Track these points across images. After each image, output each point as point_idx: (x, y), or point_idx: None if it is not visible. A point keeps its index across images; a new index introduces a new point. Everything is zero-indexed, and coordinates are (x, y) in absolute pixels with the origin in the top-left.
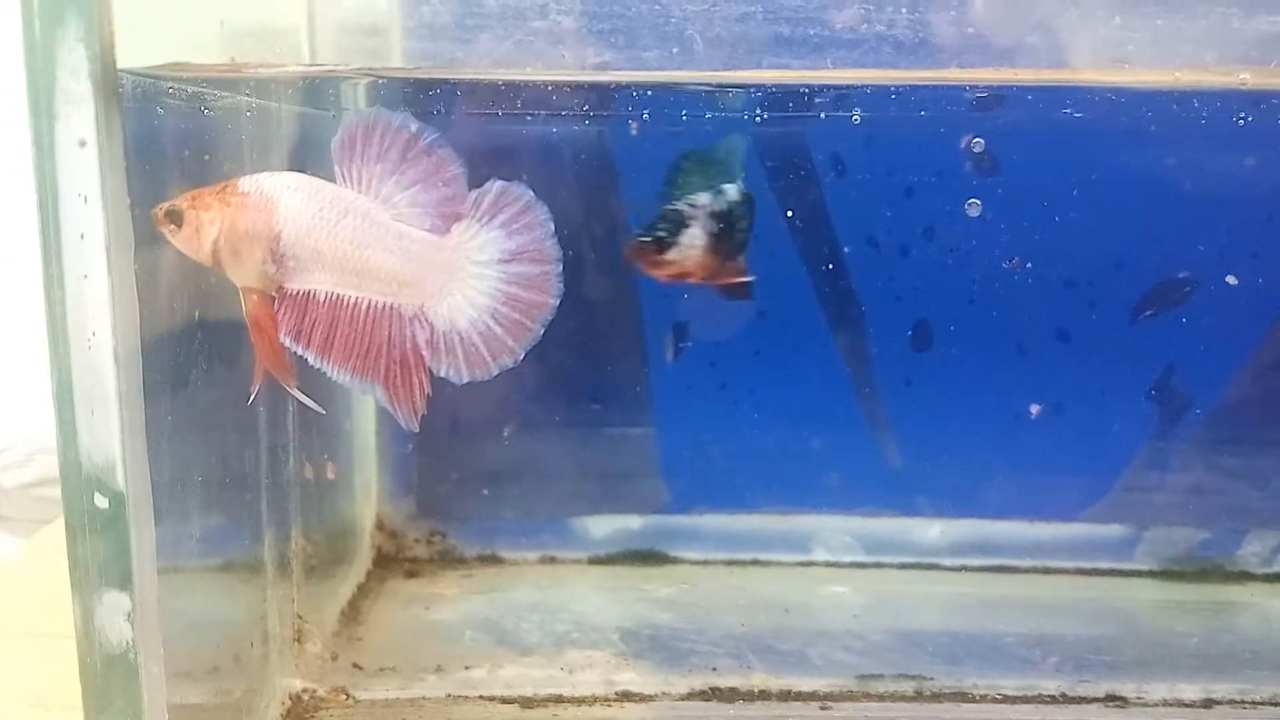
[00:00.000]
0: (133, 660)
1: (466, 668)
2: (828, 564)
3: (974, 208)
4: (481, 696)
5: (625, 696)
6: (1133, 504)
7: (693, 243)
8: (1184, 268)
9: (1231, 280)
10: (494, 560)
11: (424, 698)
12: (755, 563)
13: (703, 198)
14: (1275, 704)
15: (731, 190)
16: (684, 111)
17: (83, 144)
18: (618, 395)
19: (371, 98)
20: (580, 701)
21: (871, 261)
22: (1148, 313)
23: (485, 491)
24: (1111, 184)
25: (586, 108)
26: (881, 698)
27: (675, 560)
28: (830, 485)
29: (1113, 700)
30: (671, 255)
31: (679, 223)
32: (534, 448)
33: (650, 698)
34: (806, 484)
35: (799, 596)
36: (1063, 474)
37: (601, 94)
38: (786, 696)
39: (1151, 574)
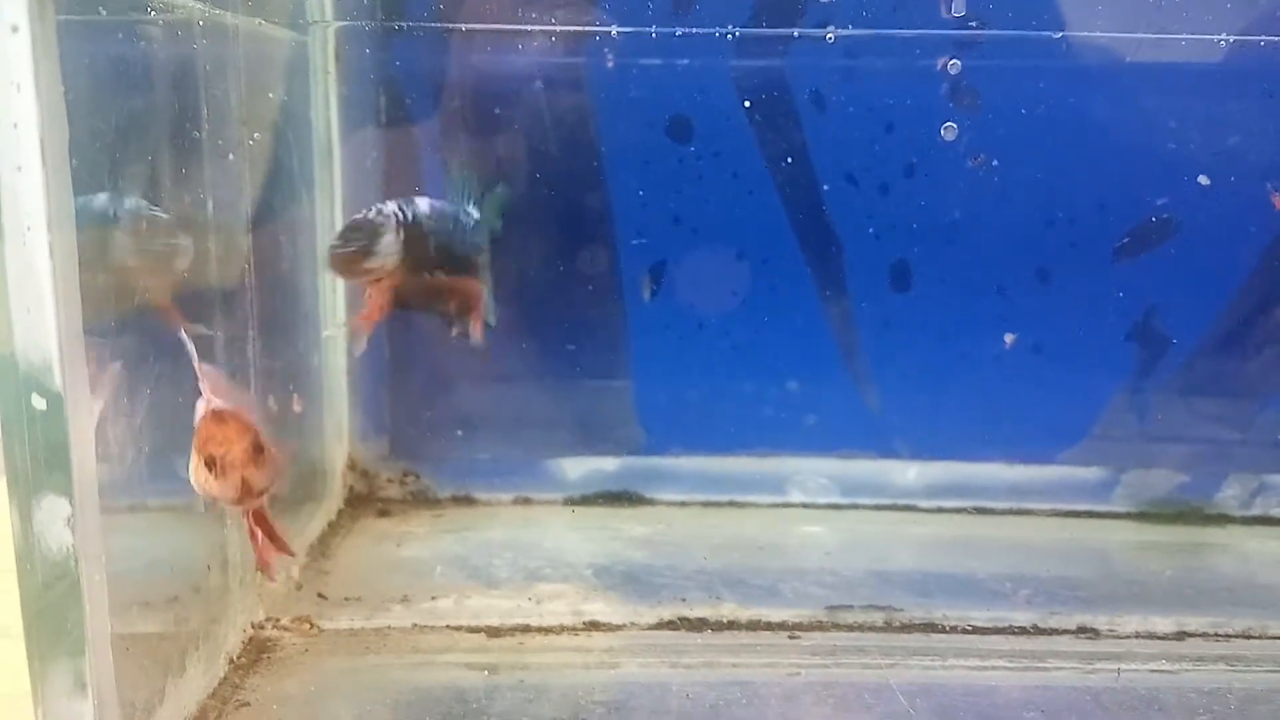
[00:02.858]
0: (74, 568)
1: (433, 598)
2: (804, 505)
3: (950, 131)
4: (448, 626)
5: (593, 626)
6: (1111, 446)
7: (388, 252)
8: (1165, 207)
9: (1204, 180)
10: (467, 501)
11: (389, 627)
12: (731, 504)
13: (389, 206)
14: (1248, 637)
15: (422, 203)
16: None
17: (15, 29)
18: (594, 336)
19: (339, 9)
20: (547, 631)
21: (850, 200)
22: (1124, 240)
23: (459, 432)
24: (1093, 123)
25: (554, 22)
26: (850, 628)
27: (651, 501)
28: (807, 427)
29: (1084, 632)
30: (371, 264)
31: (372, 232)
32: (509, 389)
33: (618, 627)
34: (783, 426)
35: (773, 536)
36: (1041, 416)
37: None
38: (755, 626)
39: (1129, 516)
